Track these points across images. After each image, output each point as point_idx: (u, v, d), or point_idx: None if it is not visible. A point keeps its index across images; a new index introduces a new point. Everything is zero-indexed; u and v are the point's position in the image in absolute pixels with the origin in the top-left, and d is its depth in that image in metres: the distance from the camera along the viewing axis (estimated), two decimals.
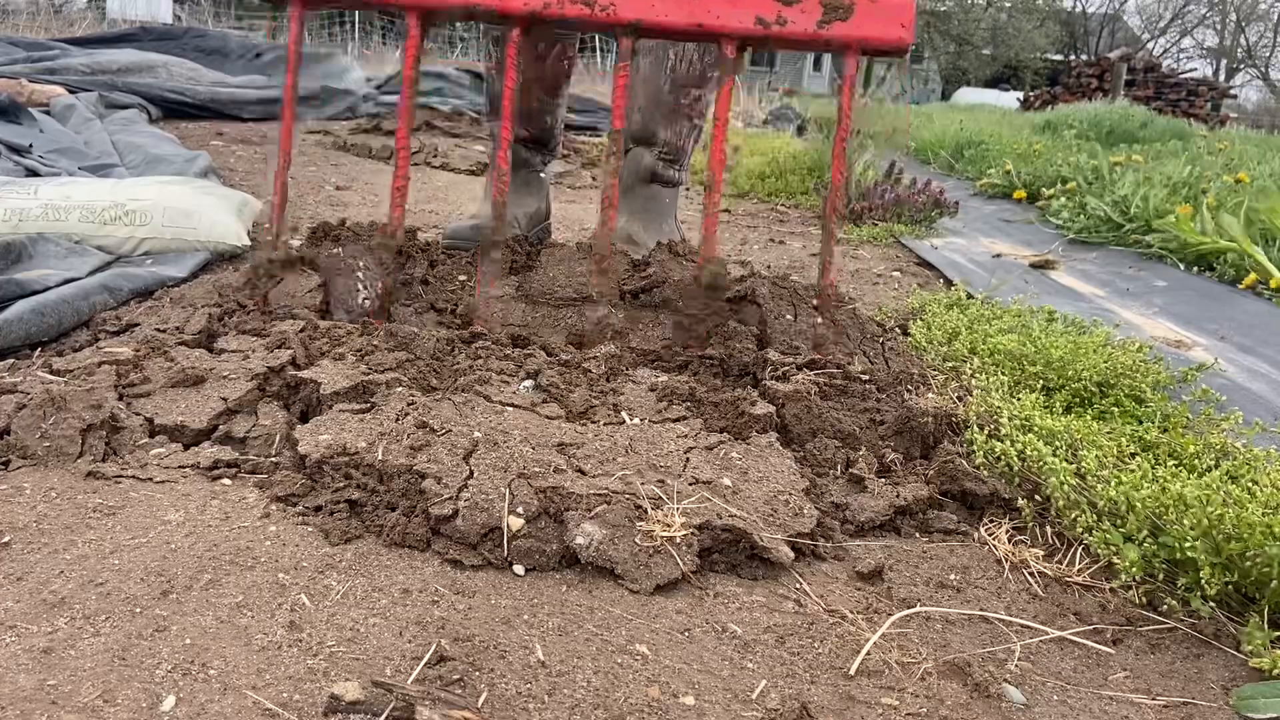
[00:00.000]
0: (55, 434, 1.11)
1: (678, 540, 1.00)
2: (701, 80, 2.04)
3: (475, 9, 1.55)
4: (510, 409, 1.24)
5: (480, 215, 2.15)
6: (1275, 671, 0.88)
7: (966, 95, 22.82)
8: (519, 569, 0.97)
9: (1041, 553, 1.11)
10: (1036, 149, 5.55)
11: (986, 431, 1.31)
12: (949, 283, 2.63)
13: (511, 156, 1.83)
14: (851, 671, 0.86)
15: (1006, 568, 1.08)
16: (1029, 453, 1.21)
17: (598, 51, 16.60)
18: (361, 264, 1.68)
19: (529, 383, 1.37)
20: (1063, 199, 3.90)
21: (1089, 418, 1.41)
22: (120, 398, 1.23)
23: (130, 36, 5.60)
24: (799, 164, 4.38)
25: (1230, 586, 0.99)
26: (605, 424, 1.27)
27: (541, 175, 2.24)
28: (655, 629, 0.90)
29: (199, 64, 5.29)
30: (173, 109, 4.46)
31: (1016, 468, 1.22)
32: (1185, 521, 1.00)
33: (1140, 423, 1.43)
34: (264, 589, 0.89)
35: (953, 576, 1.06)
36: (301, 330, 1.47)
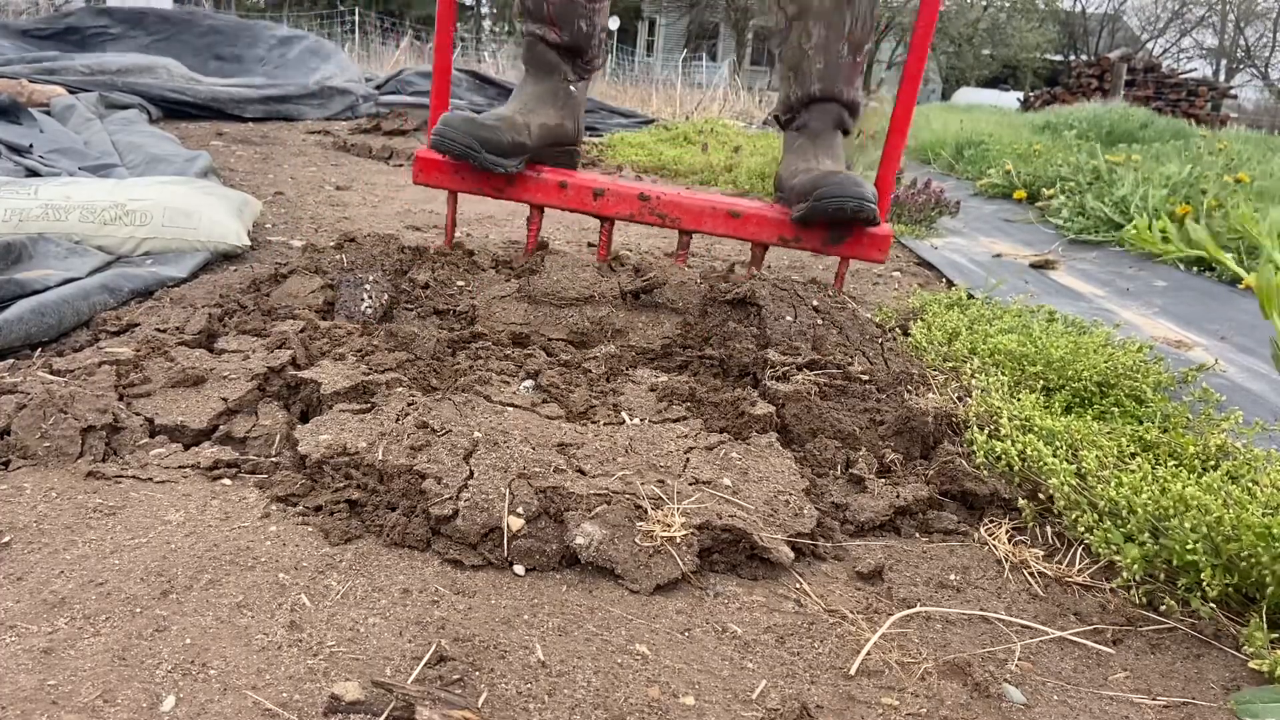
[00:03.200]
0: (55, 434, 1.11)
1: (678, 540, 1.00)
2: (871, 32, 1.99)
3: (580, 210, 1.96)
4: (510, 409, 1.24)
5: (488, 114, 1.95)
6: (1275, 673, 0.88)
7: (966, 95, 22.81)
8: (519, 569, 0.97)
9: (1042, 553, 1.11)
10: (1036, 149, 5.55)
11: (987, 432, 1.31)
12: (949, 283, 2.63)
13: (538, 59, 1.91)
14: (851, 671, 0.86)
15: (1006, 568, 1.08)
16: (1029, 453, 1.21)
17: None
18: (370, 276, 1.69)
19: (529, 383, 1.37)
20: (1062, 198, 3.89)
21: (1089, 418, 1.41)
22: (120, 398, 1.23)
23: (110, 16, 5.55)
24: None
25: (1230, 588, 0.99)
26: (605, 424, 1.27)
27: (572, 89, 1.99)
28: (655, 629, 0.90)
29: (198, 52, 5.28)
30: (173, 109, 4.46)
31: (1017, 468, 1.22)
32: (1185, 524, 1.00)
33: (1140, 423, 1.43)
34: (264, 589, 0.89)
35: (953, 576, 1.06)
36: (302, 330, 1.47)
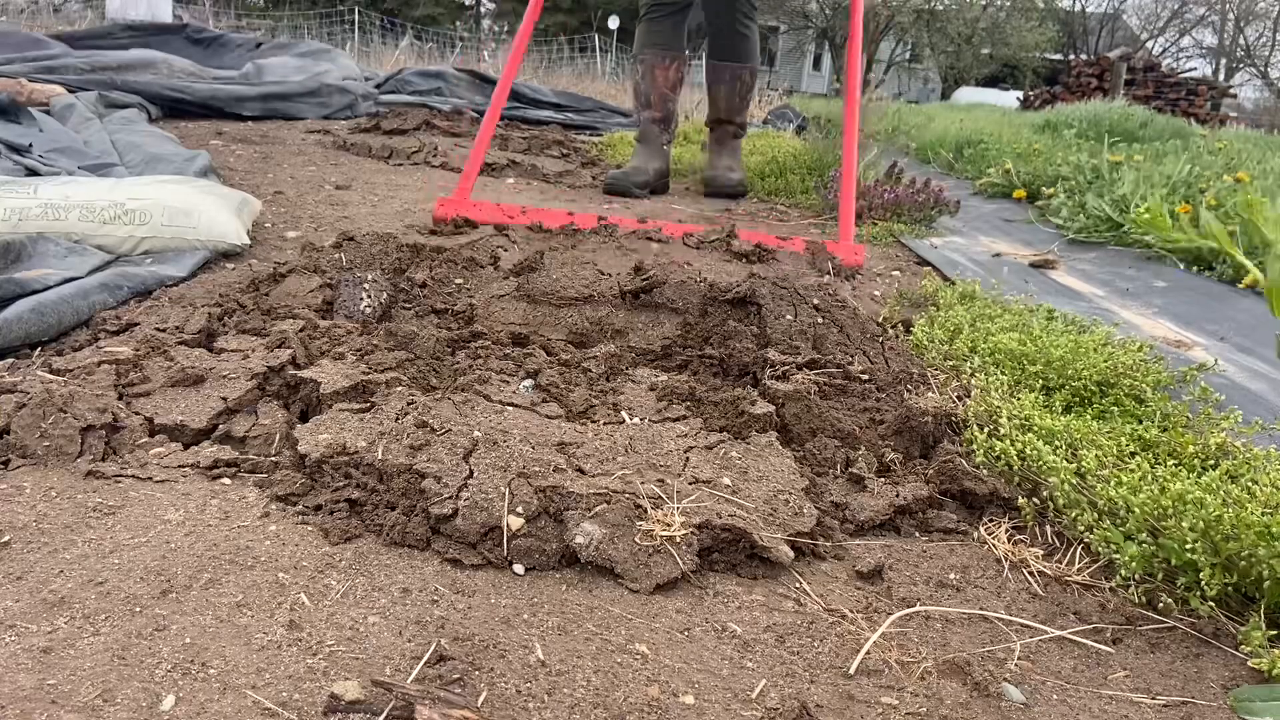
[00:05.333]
0: (55, 433, 1.11)
1: (677, 540, 1.00)
2: (751, 89, 3.75)
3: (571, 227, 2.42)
4: (510, 408, 1.24)
5: (626, 167, 3.67)
6: (1274, 672, 0.88)
7: (966, 95, 22.80)
8: (519, 568, 0.97)
9: (1041, 552, 1.11)
10: (1036, 148, 5.54)
11: (986, 431, 1.31)
12: (951, 282, 2.62)
13: (649, 133, 3.65)
14: (851, 671, 0.86)
15: (1006, 567, 1.08)
16: (1029, 452, 1.21)
17: (596, 52, 16.61)
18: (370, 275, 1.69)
19: (529, 382, 1.37)
20: (1062, 197, 3.89)
21: (1089, 417, 1.41)
22: (120, 397, 1.23)
23: (132, 30, 5.57)
24: (799, 163, 4.37)
25: (1229, 587, 0.99)
26: (605, 423, 1.27)
27: (665, 148, 3.66)
28: (655, 628, 0.90)
29: (196, 59, 5.29)
30: (173, 107, 4.45)
31: (1016, 467, 1.22)
32: (1184, 523, 1.00)
33: (1140, 422, 1.43)
34: (264, 588, 0.89)
35: (952, 576, 1.06)
36: (301, 330, 1.47)
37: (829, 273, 2.27)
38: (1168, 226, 1.02)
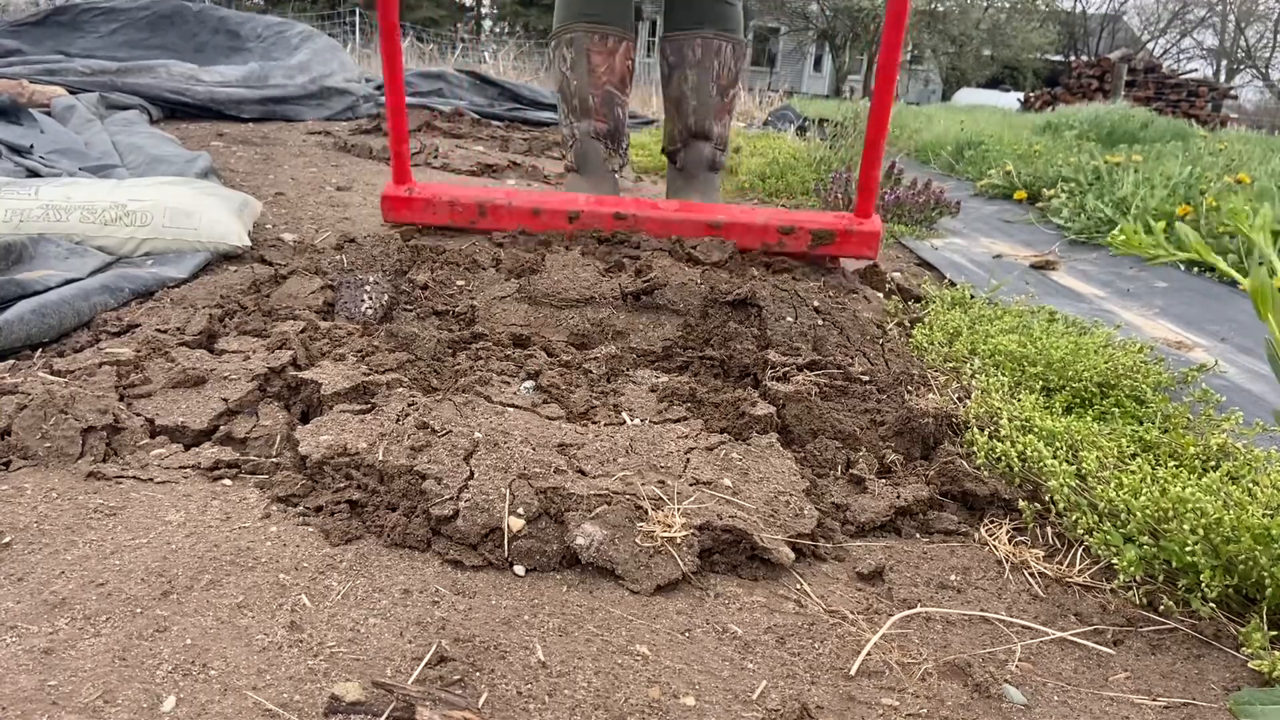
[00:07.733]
0: (56, 434, 1.11)
1: (678, 541, 1.00)
2: (736, 80, 2.50)
3: (582, 232, 2.06)
4: (511, 410, 1.25)
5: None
6: (1275, 673, 0.88)
7: (967, 96, 22.81)
8: (519, 569, 0.97)
9: (1042, 553, 1.11)
10: (1037, 149, 5.55)
11: (987, 432, 1.31)
12: (951, 283, 2.62)
13: (591, 154, 2.54)
14: (852, 672, 0.86)
15: (1007, 568, 1.08)
16: (1029, 454, 1.21)
17: None
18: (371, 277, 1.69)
19: (529, 383, 1.38)
20: (1063, 199, 3.89)
21: (1089, 418, 1.41)
22: (121, 398, 1.23)
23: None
24: (799, 163, 4.37)
25: (1230, 588, 0.99)
26: (606, 424, 1.27)
27: (616, 176, 2.65)
28: (656, 629, 0.90)
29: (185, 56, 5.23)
30: (173, 109, 4.46)
31: (1017, 469, 1.22)
32: (1185, 525, 1.00)
33: (1141, 423, 1.43)
34: (264, 589, 0.89)
35: (953, 577, 1.06)
36: (302, 331, 1.47)
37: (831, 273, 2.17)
38: (1145, 245, 1.02)
